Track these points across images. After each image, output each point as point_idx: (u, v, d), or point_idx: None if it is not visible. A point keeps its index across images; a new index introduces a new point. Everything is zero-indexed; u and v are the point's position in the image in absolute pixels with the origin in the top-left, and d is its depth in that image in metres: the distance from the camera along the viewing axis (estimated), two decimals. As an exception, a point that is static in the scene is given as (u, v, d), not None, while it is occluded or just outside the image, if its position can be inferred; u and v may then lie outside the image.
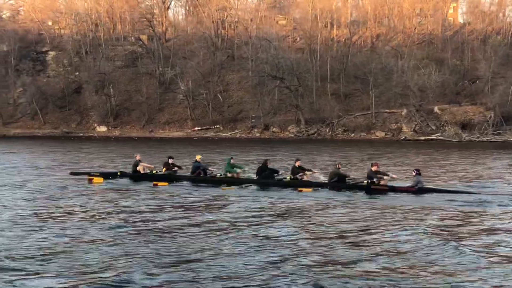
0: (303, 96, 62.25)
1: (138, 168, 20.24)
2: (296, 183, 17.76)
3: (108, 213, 13.22)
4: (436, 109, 59.48)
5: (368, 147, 44.92)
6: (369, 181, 16.99)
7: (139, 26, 78.41)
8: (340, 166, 18.38)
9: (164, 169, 20.07)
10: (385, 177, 17.09)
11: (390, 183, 17.15)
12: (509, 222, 12.24)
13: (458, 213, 13.37)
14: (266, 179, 18.51)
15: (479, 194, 16.30)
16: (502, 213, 13.31)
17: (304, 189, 16.96)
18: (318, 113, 62.30)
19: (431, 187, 17.26)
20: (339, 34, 73.28)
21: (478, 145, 48.96)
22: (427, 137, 56.07)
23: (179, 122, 68.09)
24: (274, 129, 63.07)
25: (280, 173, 19.06)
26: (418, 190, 16.40)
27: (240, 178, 19.16)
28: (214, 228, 11.43)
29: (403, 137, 56.98)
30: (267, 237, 10.59)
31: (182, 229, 11.41)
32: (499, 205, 14.48)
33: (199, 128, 65.74)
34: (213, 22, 72.95)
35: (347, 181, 17.81)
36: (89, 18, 76.59)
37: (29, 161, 29.90)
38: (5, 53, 77.93)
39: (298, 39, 73.74)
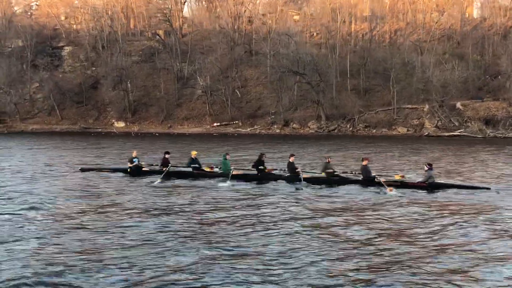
0: (324, 91, 61.71)
1: (144, 169, 20.41)
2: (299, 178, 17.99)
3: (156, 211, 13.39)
4: (458, 104, 58.92)
5: (394, 143, 44.50)
6: (376, 176, 17.28)
7: (155, 21, 77.98)
8: (330, 160, 18.70)
9: (162, 166, 19.98)
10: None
11: (401, 179, 17.36)
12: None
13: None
14: (269, 175, 18.79)
15: (489, 189, 16.50)
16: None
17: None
18: (338, 108, 61.80)
19: (442, 182, 17.24)
20: (357, 29, 72.76)
21: (503, 141, 48.51)
22: (451, 133, 55.56)
23: (197, 118, 67.70)
24: (294, 125, 62.62)
25: (274, 168, 19.55)
26: (429, 185, 16.44)
27: (245, 174, 19.10)
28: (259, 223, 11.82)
29: (427, 133, 56.50)
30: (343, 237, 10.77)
31: (243, 227, 11.58)
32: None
33: (218, 124, 65.38)
34: (230, 16, 72.39)
35: (344, 175, 18.21)
36: (106, 13, 76.12)
37: (60, 158, 29.65)
38: (20, 49, 77.65)
39: (314, 34, 73.14)
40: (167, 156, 20.20)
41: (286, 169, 18.84)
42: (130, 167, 20.50)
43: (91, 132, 64.21)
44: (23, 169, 23.15)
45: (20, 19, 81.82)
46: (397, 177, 17.47)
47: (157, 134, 60.89)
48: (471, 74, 60.08)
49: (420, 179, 16.92)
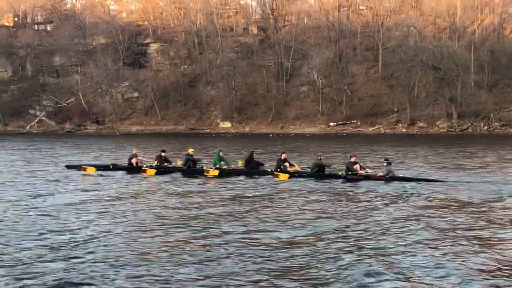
0: (455, 87, 57.52)
1: (132, 161, 21.63)
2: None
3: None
4: None
5: None
6: (347, 172, 18.32)
7: (253, 16, 74.24)
8: (321, 157, 19.56)
9: (156, 161, 21.41)
10: (361, 170, 18.40)
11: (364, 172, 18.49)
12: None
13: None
14: (254, 170, 19.79)
15: (443, 182, 17.29)
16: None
17: (281, 175, 18.80)
18: (469, 105, 57.68)
19: (401, 175, 18.47)
20: (469, 20, 68.23)
21: None
22: None
23: (309, 117, 63.80)
24: (421, 124, 58.59)
25: (264, 166, 20.45)
26: (389, 178, 17.77)
27: (229, 169, 20.15)
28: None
29: None
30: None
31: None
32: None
33: (335, 123, 61.47)
34: (335, 9, 68.42)
35: (325, 171, 19.18)
36: (199, 7, 72.51)
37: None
38: (103, 46, 74.18)
39: (430, 26, 68.61)
40: (162, 154, 21.72)
41: (276, 166, 19.84)
42: (112, 163, 22.07)
43: (205, 133, 60.44)
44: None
45: (106, 16, 78.38)
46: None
47: (272, 136, 56.89)
48: None
49: (381, 173, 18.19)
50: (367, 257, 8.47)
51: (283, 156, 19.85)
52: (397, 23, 64.68)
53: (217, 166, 20.12)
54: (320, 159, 19.38)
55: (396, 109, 60.12)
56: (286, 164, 19.52)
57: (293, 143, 44.90)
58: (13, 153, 33.57)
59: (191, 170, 20.52)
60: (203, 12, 72.90)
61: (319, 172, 18.93)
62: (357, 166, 18.42)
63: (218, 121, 65.58)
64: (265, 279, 7.55)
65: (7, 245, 9.28)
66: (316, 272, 7.85)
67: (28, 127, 66.90)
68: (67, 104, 72.04)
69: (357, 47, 68.64)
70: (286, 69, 67.14)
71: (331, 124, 61.51)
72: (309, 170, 19.58)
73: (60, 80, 75.99)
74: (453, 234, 10.14)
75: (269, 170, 19.53)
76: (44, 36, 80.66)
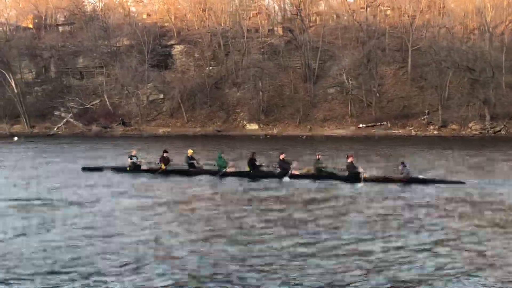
0: (489, 88, 56.54)
1: (142, 167, 22.30)
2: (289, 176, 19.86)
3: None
4: None
5: None
6: (362, 172, 18.74)
7: (276, 16, 73.67)
8: (319, 156, 20.36)
9: (163, 164, 21.86)
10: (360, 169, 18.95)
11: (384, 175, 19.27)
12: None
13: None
14: (260, 172, 20.66)
15: (464, 183, 17.98)
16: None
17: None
18: (503, 107, 56.68)
19: (421, 177, 19.00)
20: (497, 20, 67.16)
21: None
22: None
23: (337, 119, 63.07)
24: (453, 126, 57.65)
25: (264, 164, 21.21)
26: (409, 180, 18.34)
27: (237, 171, 20.98)
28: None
29: None
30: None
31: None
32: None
33: (364, 125, 60.69)
34: (363, 9, 67.66)
35: (336, 173, 19.56)
36: (224, 8, 72.04)
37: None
38: (127, 48, 73.92)
39: (457, 26, 67.64)
40: (165, 155, 21.99)
41: (278, 167, 20.47)
42: (129, 165, 22.35)
43: (231, 135, 59.98)
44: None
45: (128, 17, 78.22)
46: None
47: (302, 137, 56.39)
48: None
49: (401, 175, 18.75)
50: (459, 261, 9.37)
51: (281, 157, 20.41)
52: (426, 24, 63.66)
53: (225, 167, 20.97)
54: (318, 159, 20.00)
55: (427, 110, 59.21)
56: (292, 163, 20.52)
57: (326, 145, 44.48)
58: (66, 156, 33.55)
59: (198, 171, 21.26)
60: (228, 13, 72.35)
61: (320, 172, 19.52)
62: (358, 167, 18.99)
63: (244, 122, 64.98)
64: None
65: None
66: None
67: (55, 129, 66.81)
68: (92, 105, 71.81)
69: (386, 48, 67.74)
70: (313, 70, 66.45)
71: (361, 125, 60.74)
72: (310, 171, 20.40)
73: (84, 81, 75.90)
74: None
75: (289, 173, 19.97)
76: (68, 37, 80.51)
